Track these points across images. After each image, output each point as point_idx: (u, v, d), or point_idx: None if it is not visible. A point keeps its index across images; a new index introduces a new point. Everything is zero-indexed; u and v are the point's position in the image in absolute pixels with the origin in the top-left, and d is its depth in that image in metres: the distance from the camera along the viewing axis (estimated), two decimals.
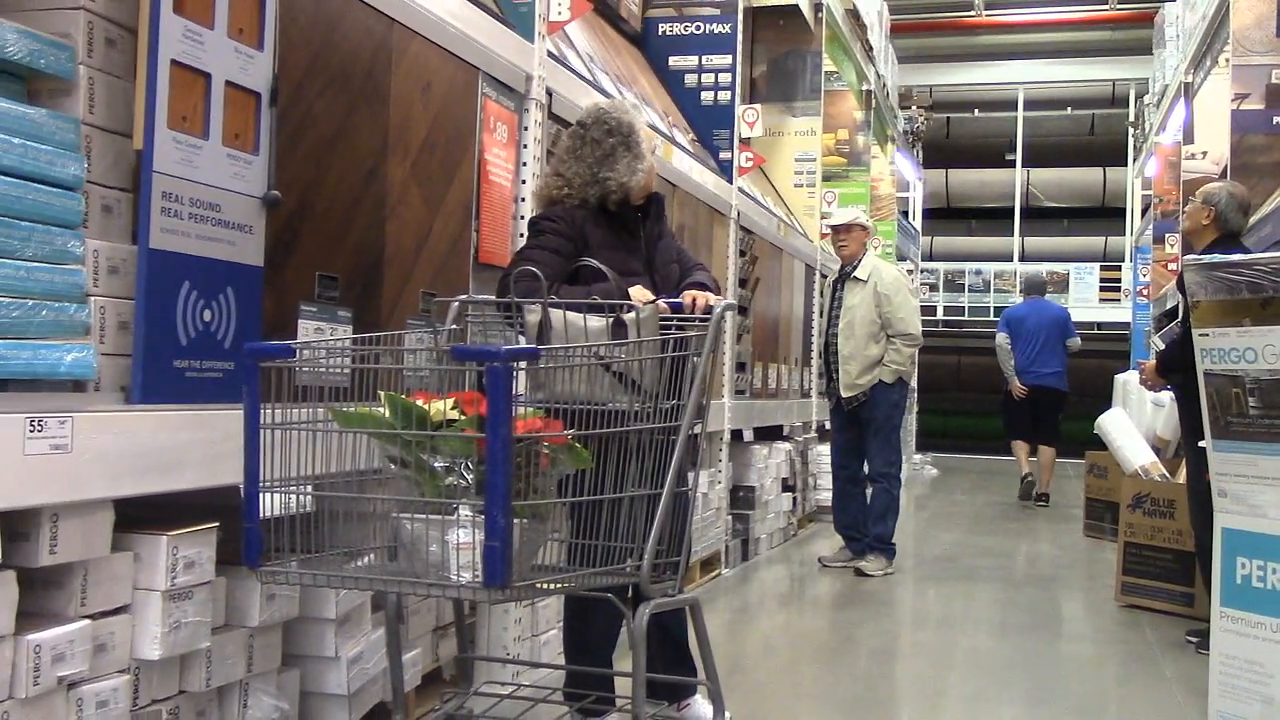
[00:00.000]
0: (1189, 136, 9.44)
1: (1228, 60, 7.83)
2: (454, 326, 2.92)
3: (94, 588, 2.25)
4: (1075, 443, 10.80)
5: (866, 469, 6.73)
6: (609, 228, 3.23)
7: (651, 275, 3.25)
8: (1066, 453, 11.16)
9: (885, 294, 6.57)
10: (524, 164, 4.03)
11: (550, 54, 4.25)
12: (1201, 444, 4.46)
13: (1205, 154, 9.15)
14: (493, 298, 3.03)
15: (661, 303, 2.94)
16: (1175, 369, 4.85)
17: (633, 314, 2.77)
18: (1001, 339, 10.48)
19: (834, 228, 6.81)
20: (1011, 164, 19.50)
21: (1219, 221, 4.93)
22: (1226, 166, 7.75)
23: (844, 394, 6.57)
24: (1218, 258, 3.19)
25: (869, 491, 6.77)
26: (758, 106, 7.28)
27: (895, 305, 6.56)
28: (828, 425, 7.64)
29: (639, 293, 3.00)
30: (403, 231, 3.32)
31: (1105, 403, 9.51)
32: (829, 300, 6.84)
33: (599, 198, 3.22)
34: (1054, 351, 10.38)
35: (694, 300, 2.97)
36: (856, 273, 6.67)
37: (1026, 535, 8.85)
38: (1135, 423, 7.78)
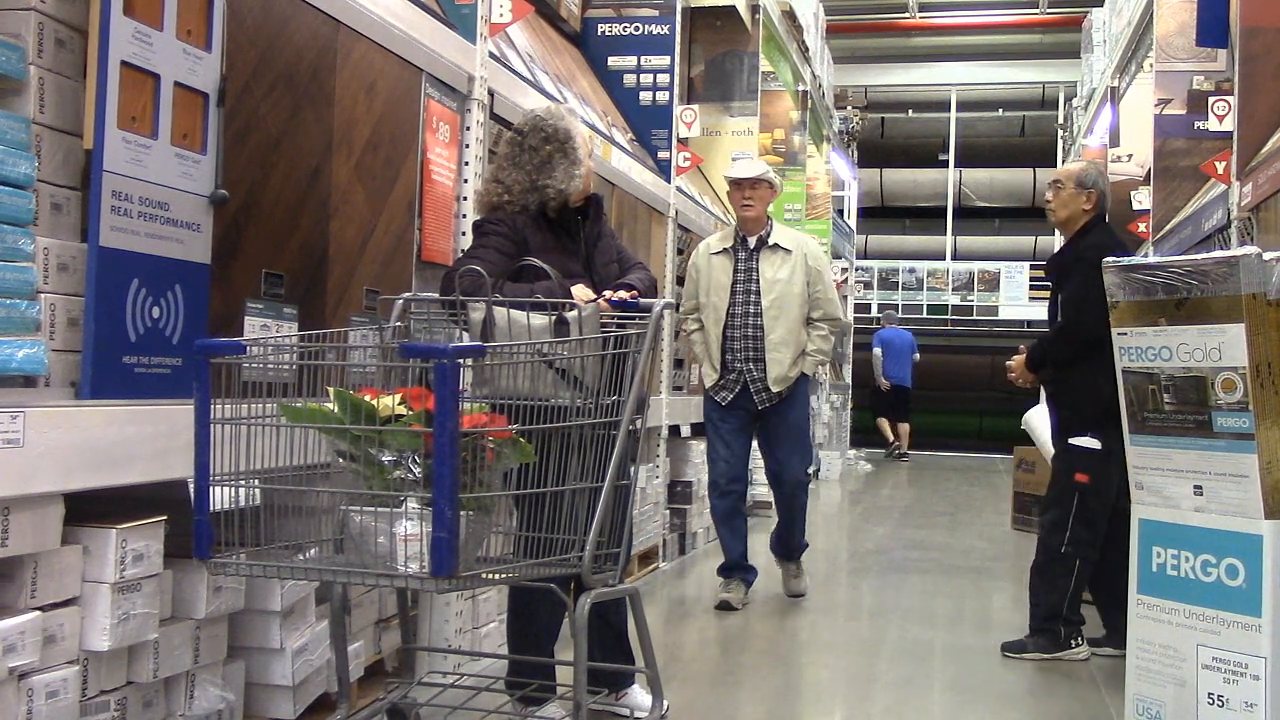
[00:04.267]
0: (1115, 139, 9.67)
1: (1152, 66, 8.06)
2: (399, 324, 2.98)
3: (44, 580, 2.29)
4: (1004, 439, 11.13)
5: (774, 476, 5.67)
6: (549, 232, 3.30)
7: (591, 275, 3.32)
8: (996, 449, 11.71)
9: (817, 270, 5.52)
10: (466, 163, 4.09)
11: (492, 55, 4.31)
12: (1074, 440, 4.53)
13: (1130, 156, 9.39)
14: (437, 295, 3.09)
15: (603, 300, 3.02)
16: (1042, 365, 4.75)
17: (575, 312, 2.85)
18: (876, 352, 15.55)
19: (736, 182, 5.51)
20: (944, 164, 19.77)
21: (1099, 204, 4.72)
22: (1150, 170, 7.97)
23: (773, 388, 5.40)
24: (1137, 260, 3.32)
25: (773, 503, 5.84)
26: (695, 107, 7.37)
27: (826, 284, 5.54)
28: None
29: (581, 292, 3.07)
30: (347, 230, 3.36)
31: (1032, 400, 9.72)
32: (730, 274, 5.47)
33: (538, 204, 3.29)
34: (907, 361, 15.61)
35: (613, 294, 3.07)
36: (778, 240, 5.50)
37: (956, 528, 9.03)
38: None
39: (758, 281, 5.43)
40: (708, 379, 5.49)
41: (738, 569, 5.61)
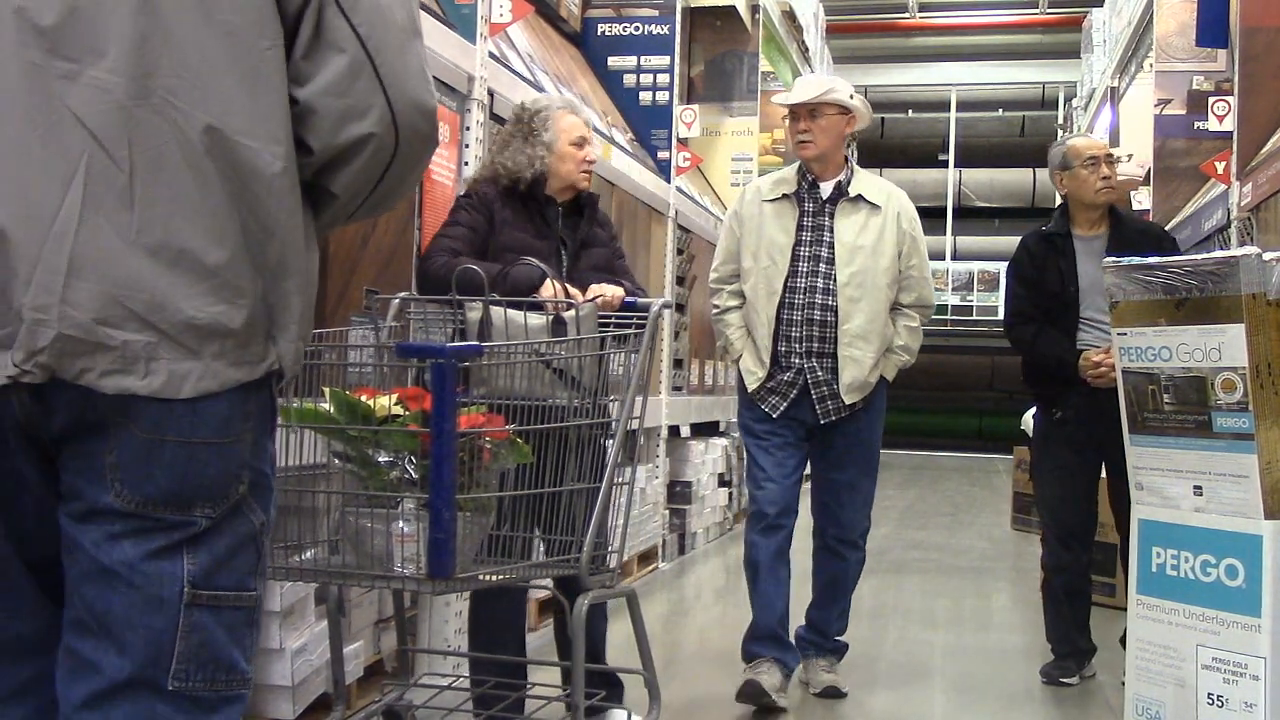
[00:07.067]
0: (1115, 139, 9.66)
1: (1152, 66, 8.06)
2: (395, 323, 2.98)
3: None
4: (1004, 439, 11.12)
5: (825, 521, 4.03)
6: (523, 209, 3.29)
7: (572, 274, 3.27)
8: (996, 449, 11.63)
9: (913, 236, 3.98)
10: (466, 164, 4.09)
11: (492, 55, 4.30)
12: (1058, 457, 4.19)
13: (1130, 157, 9.37)
14: (434, 296, 3.08)
15: (604, 299, 3.00)
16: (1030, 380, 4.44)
17: (572, 312, 2.85)
18: None
19: (794, 108, 3.91)
20: (944, 164, 19.77)
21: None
22: (1150, 170, 7.97)
23: (846, 397, 3.83)
24: (1137, 260, 3.31)
25: (823, 557, 4.08)
26: (695, 107, 7.37)
27: (923, 257, 4.01)
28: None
29: (549, 288, 3.03)
30: (345, 230, 3.36)
31: (1033, 401, 9.72)
32: (792, 231, 3.90)
33: (492, 179, 3.30)
34: None
35: (600, 294, 3.04)
36: (862, 190, 3.93)
37: (956, 529, 9.03)
38: None
39: (831, 246, 3.86)
40: (749, 378, 3.91)
41: (772, 642, 3.87)
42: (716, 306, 4.05)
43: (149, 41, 1.34)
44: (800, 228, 3.89)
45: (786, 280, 3.85)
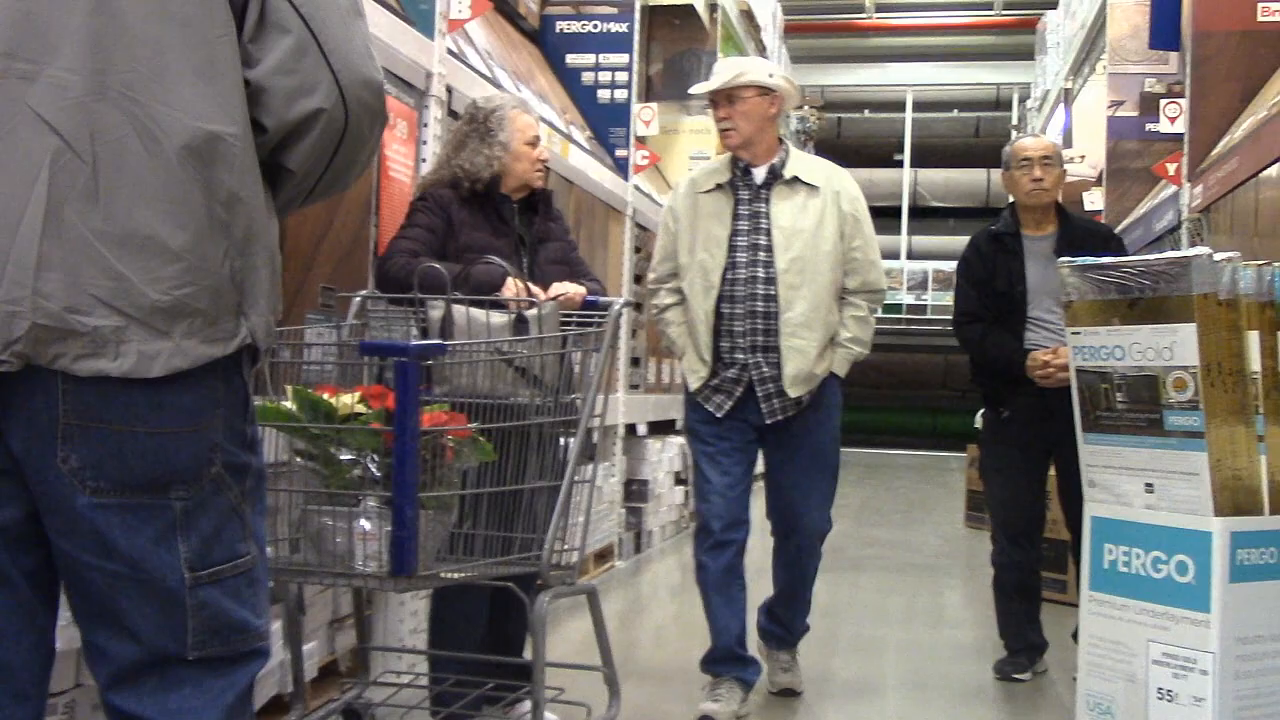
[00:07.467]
0: (1068, 141, 9.77)
1: (1105, 68, 8.15)
2: (356, 321, 2.97)
3: None
4: (958, 437, 11.22)
5: (782, 521, 3.90)
6: (479, 211, 3.29)
7: (532, 271, 3.29)
8: (949, 447, 11.72)
9: (855, 217, 3.78)
10: (423, 160, 4.07)
11: (450, 51, 4.29)
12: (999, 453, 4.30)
13: (1084, 158, 9.48)
14: (395, 294, 3.07)
15: (565, 296, 3.01)
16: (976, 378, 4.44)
17: (534, 310, 2.85)
18: None
19: (713, 96, 3.73)
20: (900, 164, 19.90)
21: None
22: (1102, 171, 8.07)
23: (791, 392, 3.65)
24: (1091, 260, 3.35)
25: (783, 557, 3.97)
26: (654, 105, 7.38)
27: (867, 239, 3.81)
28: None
29: (513, 285, 3.04)
30: (302, 226, 3.34)
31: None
32: (728, 221, 3.72)
33: (450, 180, 3.30)
34: None
35: (562, 293, 3.05)
36: (798, 172, 3.74)
37: (910, 526, 9.10)
38: None
39: (768, 232, 3.68)
40: (692, 378, 3.74)
41: (731, 662, 3.80)
42: (656, 306, 3.87)
43: (103, 39, 1.39)
44: (736, 217, 3.70)
45: (725, 273, 3.66)
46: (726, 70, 3.71)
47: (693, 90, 3.89)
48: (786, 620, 4.02)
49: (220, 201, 1.43)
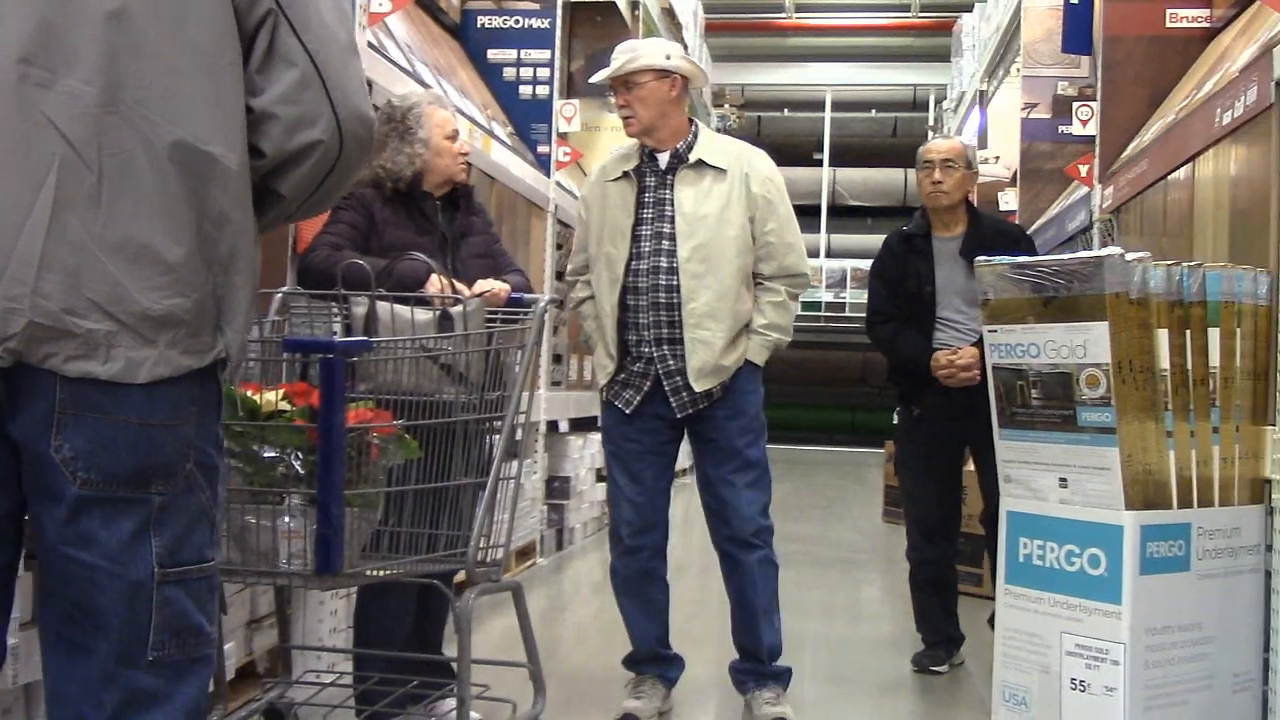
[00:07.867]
0: (983, 142, 9.93)
1: (1019, 71, 8.30)
2: (278, 318, 2.94)
3: None
4: (876, 434, 11.37)
5: (715, 522, 3.68)
6: (402, 210, 3.29)
7: (454, 266, 3.28)
8: (868, 443, 11.87)
9: (766, 198, 3.59)
10: None
11: (370, 45, 4.26)
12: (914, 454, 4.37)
13: (998, 159, 9.65)
14: (318, 290, 3.05)
15: (491, 292, 3.00)
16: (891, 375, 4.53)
17: (459, 307, 2.84)
18: None
19: (612, 84, 3.58)
20: (819, 163, 20.07)
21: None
22: (1016, 172, 8.21)
23: (697, 385, 3.51)
24: (1008, 259, 3.41)
25: (725, 564, 3.73)
26: (576, 101, 7.37)
27: (782, 220, 3.63)
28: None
29: (436, 281, 3.03)
30: None
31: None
32: (632, 209, 3.57)
33: (373, 181, 3.29)
34: None
35: (487, 289, 3.05)
36: (704, 154, 3.57)
37: (828, 521, 9.20)
38: None
39: (672, 219, 3.53)
40: (600, 373, 3.65)
41: (653, 661, 3.74)
42: (573, 300, 3.77)
43: (119, 55, 1.47)
44: (641, 205, 3.55)
45: (629, 263, 3.51)
46: (621, 55, 3.55)
47: (592, 80, 3.74)
48: (753, 650, 3.70)
49: (211, 219, 1.51)
